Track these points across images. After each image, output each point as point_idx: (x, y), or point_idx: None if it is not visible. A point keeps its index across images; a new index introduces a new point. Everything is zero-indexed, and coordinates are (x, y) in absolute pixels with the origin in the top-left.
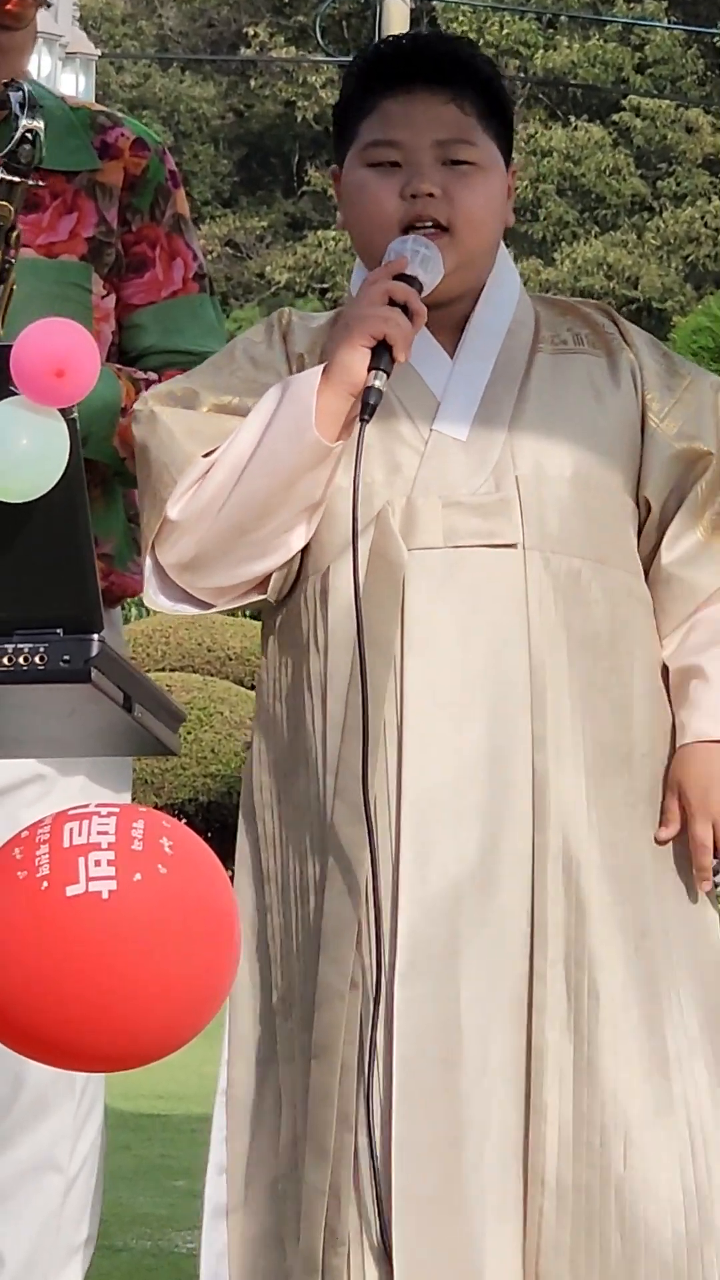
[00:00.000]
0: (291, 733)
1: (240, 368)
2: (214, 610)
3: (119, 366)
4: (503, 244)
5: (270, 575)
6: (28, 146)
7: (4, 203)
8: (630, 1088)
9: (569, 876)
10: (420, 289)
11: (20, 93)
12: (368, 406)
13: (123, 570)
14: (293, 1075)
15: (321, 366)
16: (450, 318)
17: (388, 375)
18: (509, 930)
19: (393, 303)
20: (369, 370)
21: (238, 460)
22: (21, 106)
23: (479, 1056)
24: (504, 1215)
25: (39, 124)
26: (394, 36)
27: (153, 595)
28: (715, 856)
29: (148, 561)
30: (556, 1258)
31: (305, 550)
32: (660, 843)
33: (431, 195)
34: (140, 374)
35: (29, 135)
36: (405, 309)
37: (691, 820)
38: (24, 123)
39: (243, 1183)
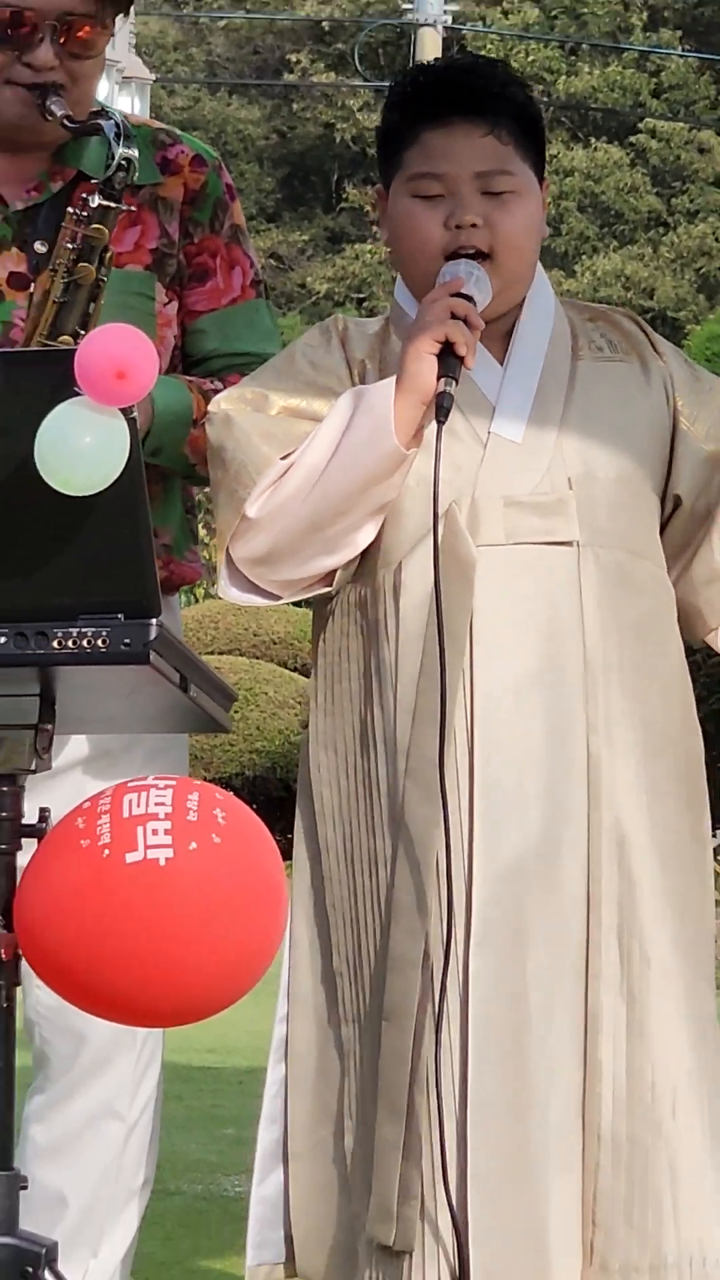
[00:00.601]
0: (357, 715)
1: (301, 371)
2: (282, 601)
3: (190, 379)
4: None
5: (335, 570)
6: (122, 174)
7: (100, 226)
8: (678, 1047)
9: (621, 852)
10: (475, 304)
11: (113, 121)
12: (442, 410)
13: (180, 559)
14: (358, 1036)
15: (393, 379)
16: (497, 329)
17: (456, 381)
18: (568, 903)
19: (454, 316)
20: (439, 378)
21: (315, 464)
22: (117, 136)
23: (544, 1021)
24: (566, 1167)
25: (134, 152)
26: (432, 63)
27: (224, 587)
28: None
29: (221, 556)
30: (612, 1206)
31: (371, 545)
32: None
33: (475, 225)
34: (209, 385)
35: (124, 163)
36: (466, 322)
37: None
38: (120, 151)
39: (306, 1133)
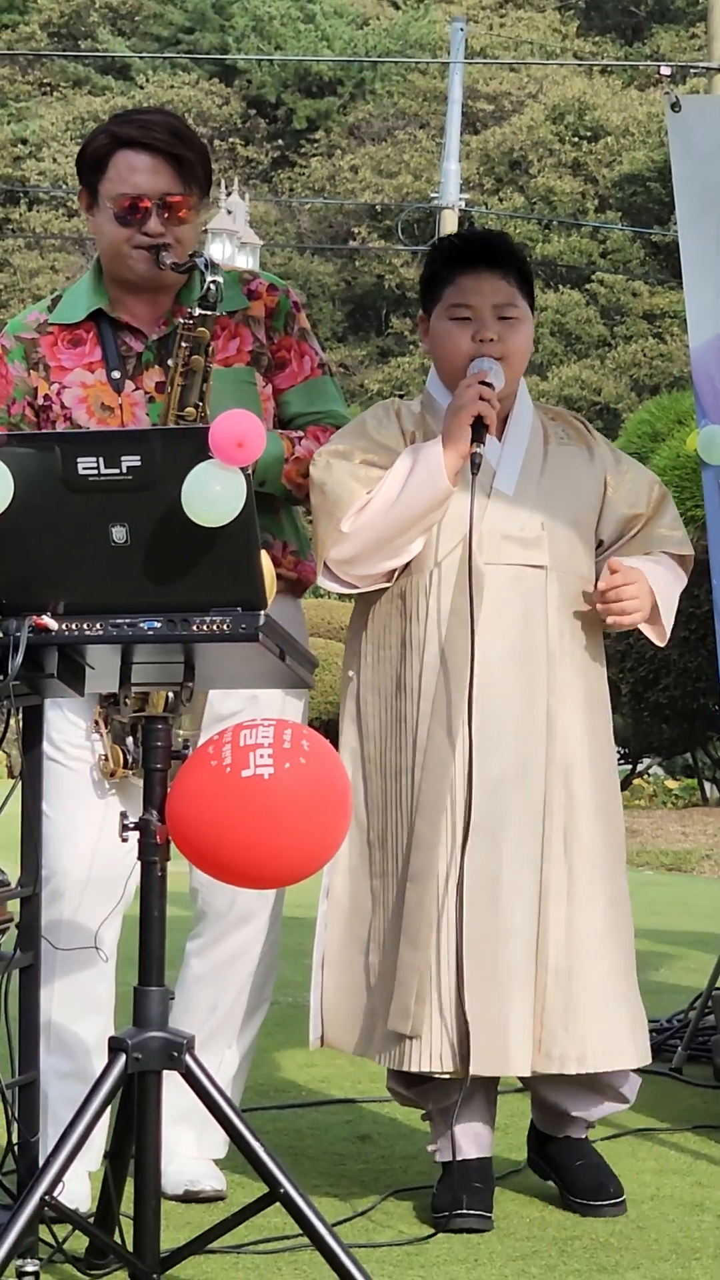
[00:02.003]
0: (395, 670)
1: (371, 436)
2: (359, 590)
3: (281, 431)
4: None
5: (395, 570)
6: (213, 291)
7: (202, 329)
8: (601, 910)
9: (566, 776)
10: (494, 388)
11: (203, 259)
12: (475, 465)
13: (305, 560)
14: (384, 888)
15: (439, 439)
16: (497, 416)
17: (483, 444)
18: (531, 808)
19: (482, 398)
20: (471, 442)
21: (389, 497)
22: (206, 267)
23: (513, 887)
24: (524, 986)
25: (219, 277)
26: (465, 231)
27: (323, 580)
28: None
29: (320, 559)
30: (553, 1014)
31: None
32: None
33: (493, 340)
34: (293, 434)
35: (213, 285)
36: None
37: (629, 590)
38: (209, 277)
39: (336, 950)
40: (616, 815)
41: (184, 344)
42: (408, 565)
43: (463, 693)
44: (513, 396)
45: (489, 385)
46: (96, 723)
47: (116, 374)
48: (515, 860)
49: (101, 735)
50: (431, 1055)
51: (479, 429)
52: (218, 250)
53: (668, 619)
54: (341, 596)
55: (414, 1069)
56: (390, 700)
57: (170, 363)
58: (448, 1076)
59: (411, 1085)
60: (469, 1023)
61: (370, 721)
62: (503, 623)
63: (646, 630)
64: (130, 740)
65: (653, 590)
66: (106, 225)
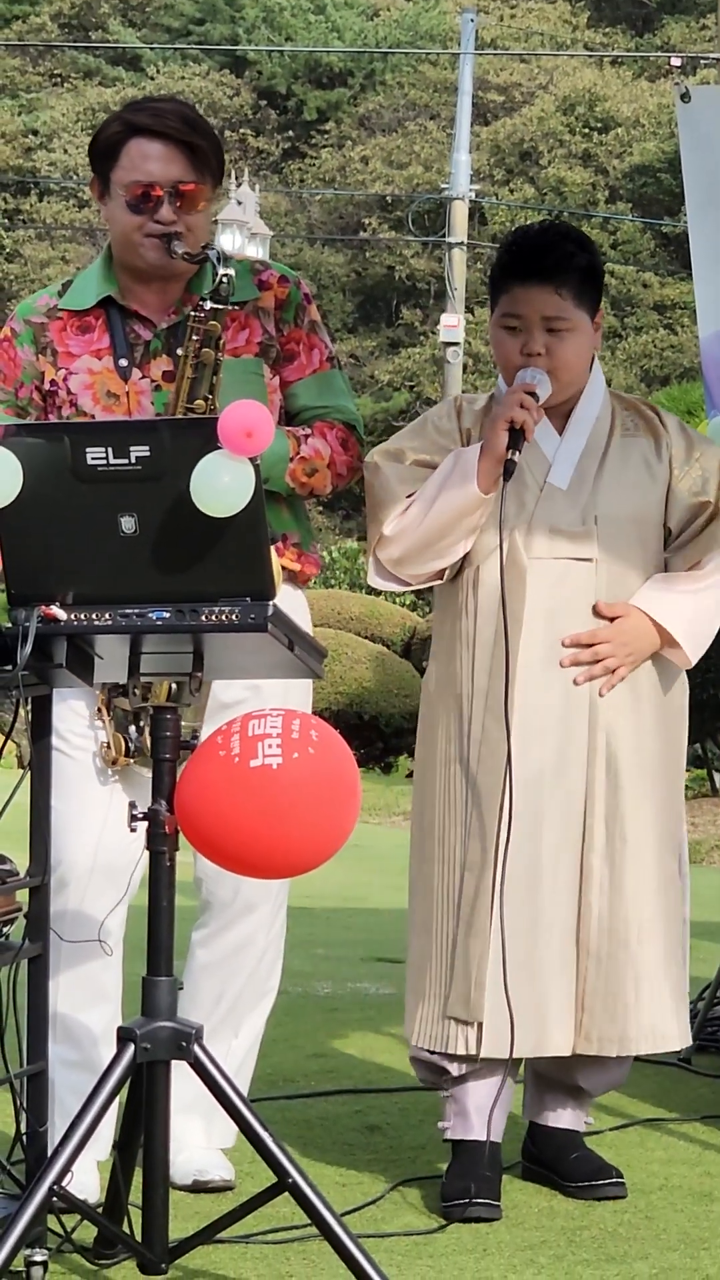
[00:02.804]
0: (450, 663)
1: (429, 434)
2: (412, 588)
3: (288, 429)
4: (598, 362)
5: (446, 569)
6: (225, 285)
7: (214, 322)
8: (644, 897)
9: (610, 764)
10: (538, 398)
11: (215, 251)
12: (508, 473)
13: (308, 553)
14: (431, 874)
15: (479, 444)
16: (561, 409)
17: (519, 451)
18: (572, 797)
19: (523, 406)
20: (507, 449)
21: (427, 501)
22: (219, 259)
23: (552, 874)
24: (564, 972)
25: (231, 271)
26: (526, 229)
27: (373, 578)
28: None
29: (371, 559)
30: (594, 999)
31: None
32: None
33: (539, 354)
34: (301, 431)
35: (225, 278)
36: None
37: (612, 635)
38: (221, 270)
39: (414, 943)
40: (670, 802)
41: (194, 337)
42: (463, 560)
43: (509, 687)
44: (578, 393)
45: (533, 396)
46: (99, 710)
47: (124, 362)
48: (555, 849)
49: (104, 723)
50: (478, 1038)
51: (516, 436)
52: (227, 241)
53: (690, 642)
54: (375, 591)
55: (459, 1051)
56: (446, 691)
57: (180, 354)
58: (491, 1059)
59: (441, 1061)
60: (501, 1007)
61: (431, 710)
62: (548, 616)
63: (666, 653)
64: (133, 728)
65: (658, 624)
66: (118, 213)
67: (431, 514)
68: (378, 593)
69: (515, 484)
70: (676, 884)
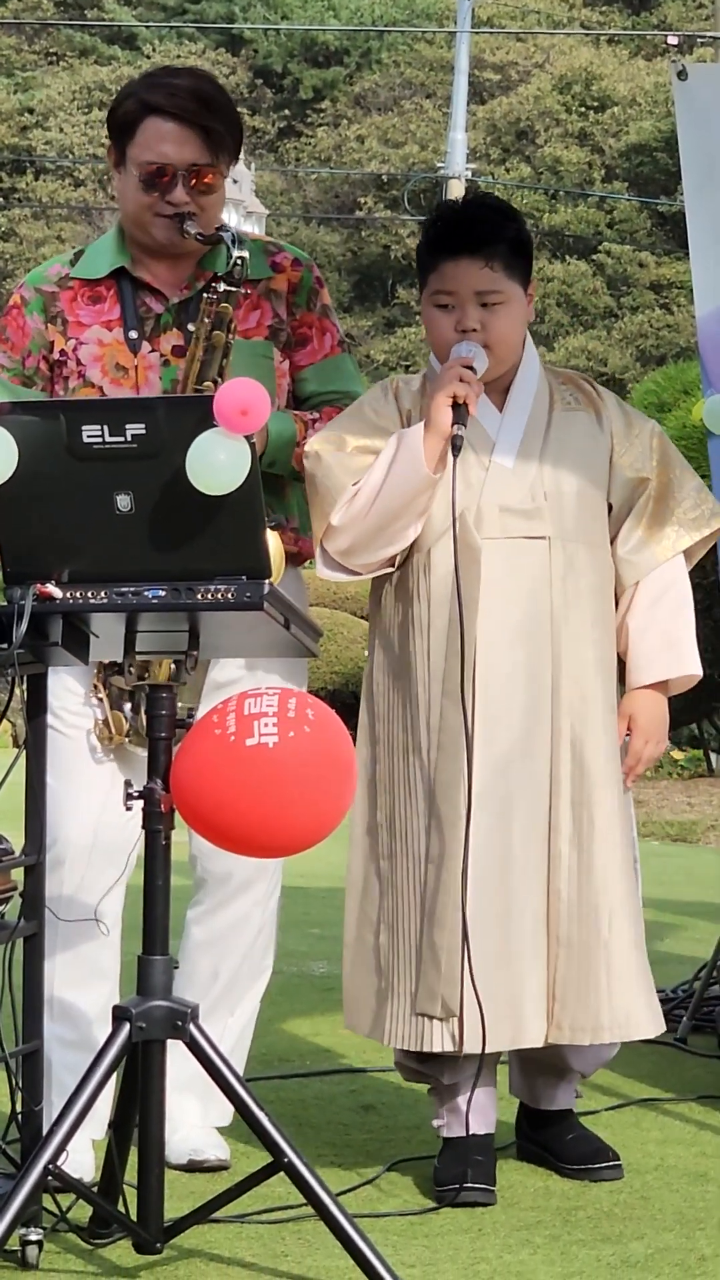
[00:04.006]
0: (402, 651)
1: (367, 418)
2: (361, 578)
3: (296, 413)
4: (529, 335)
5: (397, 555)
6: (239, 268)
7: (226, 305)
8: (612, 880)
9: (575, 748)
10: (475, 373)
11: (230, 233)
12: (455, 448)
13: (305, 536)
14: (393, 868)
15: (423, 423)
16: (499, 385)
17: (464, 425)
18: (538, 782)
19: (462, 380)
20: (452, 424)
21: (374, 486)
22: (234, 241)
23: (523, 860)
24: (536, 960)
25: (245, 253)
26: (449, 204)
27: (320, 569)
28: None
29: (317, 550)
30: (565, 987)
31: None
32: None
33: (474, 330)
34: (309, 416)
35: (239, 261)
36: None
37: (635, 739)
38: (236, 253)
39: (352, 932)
40: (620, 782)
41: (206, 319)
42: (411, 545)
43: (465, 671)
44: (514, 368)
45: (470, 370)
46: (95, 687)
47: (134, 334)
48: (524, 835)
49: (101, 701)
50: (451, 1035)
51: (459, 411)
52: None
53: (678, 665)
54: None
55: (433, 1049)
56: (398, 681)
57: (192, 335)
58: (465, 1054)
59: (422, 1060)
60: (480, 1000)
61: (380, 702)
62: (505, 597)
63: (681, 685)
64: (129, 706)
65: (651, 687)
66: (131, 189)
67: (380, 499)
68: None
69: (461, 464)
70: (636, 869)
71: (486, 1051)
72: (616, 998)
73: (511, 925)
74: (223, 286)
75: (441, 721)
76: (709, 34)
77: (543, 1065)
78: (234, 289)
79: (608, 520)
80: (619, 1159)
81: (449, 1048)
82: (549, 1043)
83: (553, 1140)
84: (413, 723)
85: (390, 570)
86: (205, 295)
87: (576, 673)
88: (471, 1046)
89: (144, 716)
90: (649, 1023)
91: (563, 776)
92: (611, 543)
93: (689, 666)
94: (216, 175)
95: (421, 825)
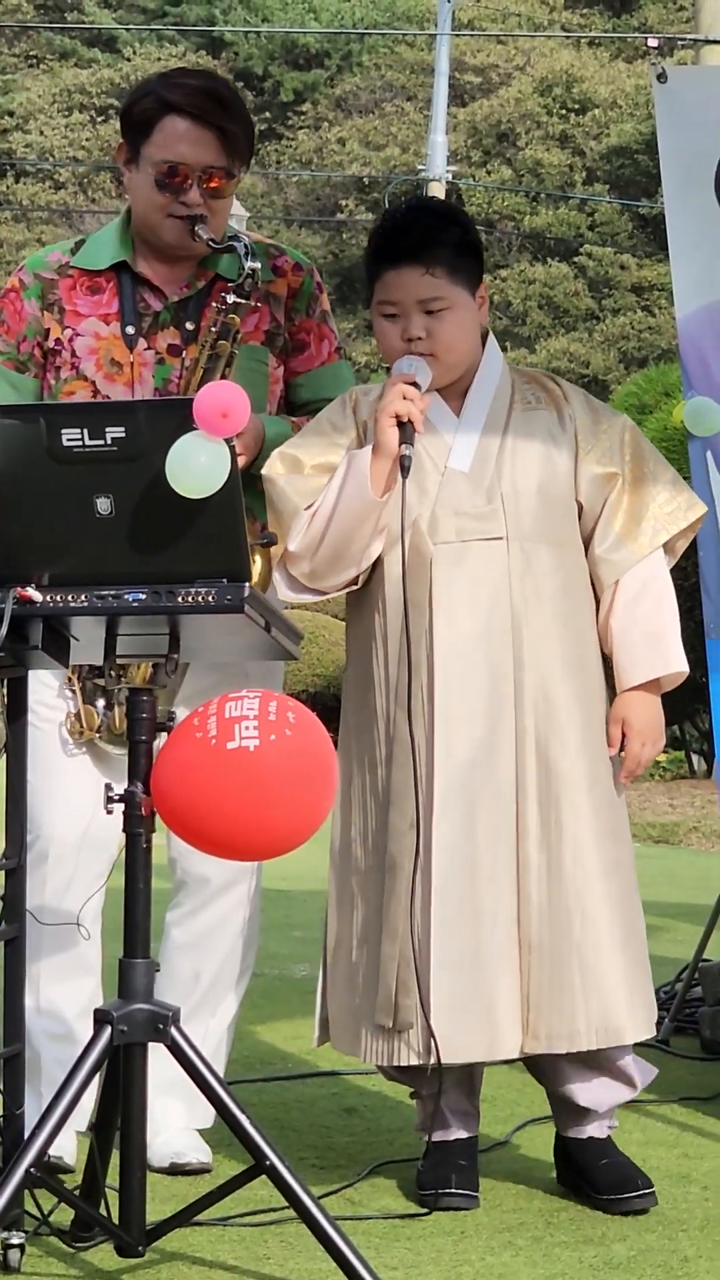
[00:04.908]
0: (364, 662)
1: (325, 432)
2: (327, 597)
3: (293, 419)
4: (493, 336)
5: (359, 575)
6: (250, 280)
7: (234, 315)
8: (584, 883)
9: (540, 749)
10: (419, 387)
11: (244, 244)
12: (404, 469)
13: None
14: (366, 882)
15: (371, 446)
16: (456, 390)
17: (411, 445)
18: (503, 786)
19: (405, 397)
20: (400, 444)
21: (326, 511)
22: (246, 253)
23: (489, 866)
24: (508, 967)
25: (257, 265)
26: (389, 213)
27: (285, 592)
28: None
29: (277, 574)
30: (539, 994)
31: None
32: (613, 758)
33: (420, 338)
34: (302, 422)
35: (251, 273)
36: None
37: (631, 742)
38: (248, 265)
39: (332, 951)
40: (605, 781)
41: (213, 328)
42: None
43: (420, 679)
44: (471, 371)
45: (413, 384)
46: (69, 679)
47: (131, 329)
48: (490, 839)
49: (74, 694)
50: (419, 1048)
51: (405, 430)
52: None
53: (663, 660)
54: None
55: (402, 1063)
56: (363, 694)
57: (193, 339)
58: (445, 1065)
59: (400, 1070)
60: (448, 1009)
61: (351, 716)
62: (461, 600)
63: (671, 681)
64: (101, 703)
65: (640, 687)
66: (144, 188)
67: (333, 525)
68: None
69: (416, 471)
70: (623, 869)
71: (460, 1063)
72: (593, 1002)
73: (481, 933)
74: (232, 298)
75: (397, 731)
76: (689, 36)
77: (563, 1102)
78: (244, 300)
79: (576, 519)
80: (650, 1186)
81: (414, 1061)
82: (525, 1053)
83: (586, 1168)
84: (373, 735)
85: (354, 588)
86: (214, 304)
87: (541, 672)
88: (435, 1059)
89: (117, 714)
90: (631, 1027)
91: (529, 779)
92: (590, 543)
93: (674, 664)
94: (230, 179)
95: (380, 839)
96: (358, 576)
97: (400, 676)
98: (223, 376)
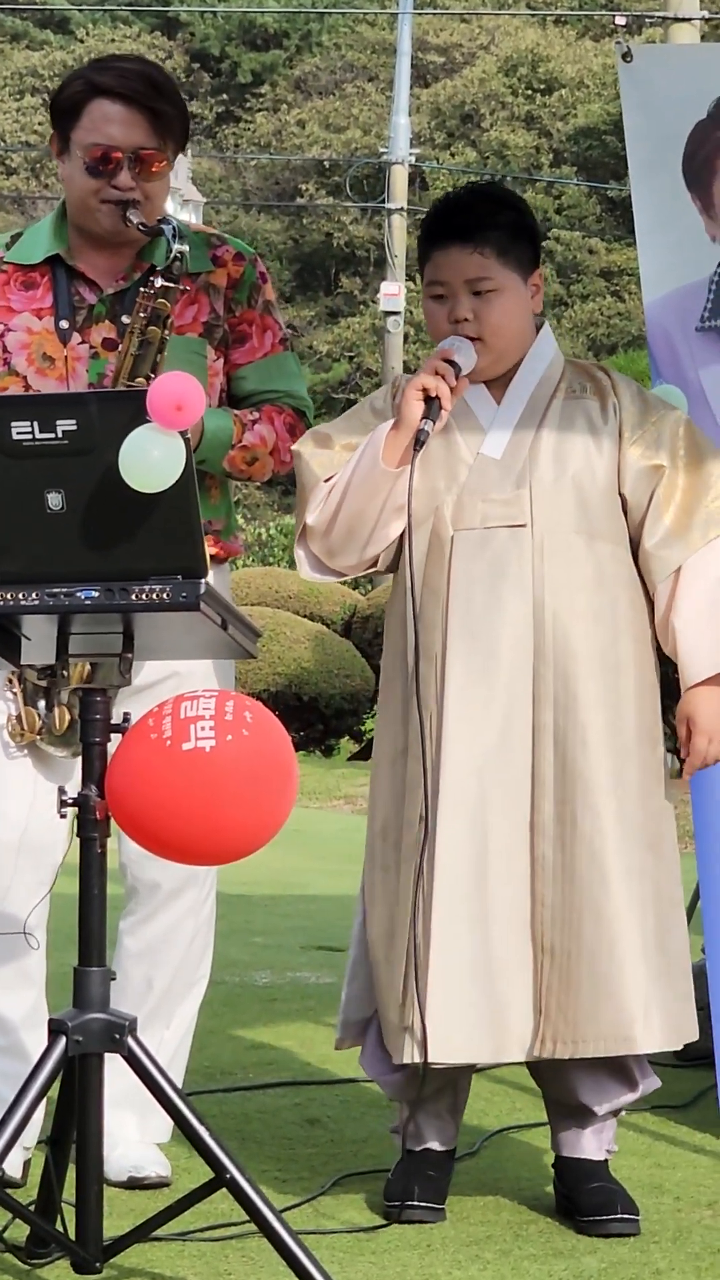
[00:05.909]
0: (394, 650)
1: (365, 417)
2: (347, 578)
3: (235, 412)
4: (548, 325)
5: (379, 555)
6: (179, 263)
7: (164, 300)
8: (600, 885)
9: (558, 745)
10: (459, 369)
11: (172, 226)
12: (419, 443)
13: (229, 540)
14: (386, 881)
15: (392, 420)
16: (503, 379)
17: (434, 421)
18: (519, 780)
19: (438, 373)
20: (421, 418)
21: (343, 483)
22: (174, 235)
23: (502, 866)
24: (522, 970)
25: (185, 247)
26: (447, 196)
27: (306, 571)
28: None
29: (299, 552)
30: (549, 998)
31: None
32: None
33: (466, 320)
34: (248, 415)
35: (179, 255)
36: (445, 378)
37: (696, 739)
38: (176, 247)
39: (358, 946)
40: (637, 785)
41: (142, 314)
42: (401, 539)
43: (434, 666)
44: (512, 362)
45: (452, 364)
46: (10, 681)
47: (65, 324)
48: (503, 837)
49: (15, 696)
50: (419, 1046)
51: (430, 405)
52: None
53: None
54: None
55: (405, 1060)
56: (391, 682)
57: (127, 328)
58: (439, 1066)
59: (392, 1072)
60: (447, 1009)
61: (382, 707)
62: (480, 588)
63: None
64: (42, 703)
65: (708, 682)
66: (76, 175)
67: (347, 498)
68: None
69: (448, 456)
70: (647, 873)
71: (460, 1063)
72: (604, 1008)
73: (492, 933)
74: (160, 281)
75: (413, 724)
76: (658, 14)
77: (561, 1105)
78: (172, 284)
79: (619, 513)
80: (635, 1212)
81: (417, 1059)
82: (533, 1056)
83: (573, 1189)
84: (399, 725)
85: (375, 570)
86: (142, 289)
87: (564, 666)
88: (436, 1057)
89: (58, 714)
90: (645, 1038)
91: (546, 774)
92: (639, 538)
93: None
94: (163, 162)
95: (400, 833)
96: (377, 558)
97: (424, 665)
98: (155, 364)
